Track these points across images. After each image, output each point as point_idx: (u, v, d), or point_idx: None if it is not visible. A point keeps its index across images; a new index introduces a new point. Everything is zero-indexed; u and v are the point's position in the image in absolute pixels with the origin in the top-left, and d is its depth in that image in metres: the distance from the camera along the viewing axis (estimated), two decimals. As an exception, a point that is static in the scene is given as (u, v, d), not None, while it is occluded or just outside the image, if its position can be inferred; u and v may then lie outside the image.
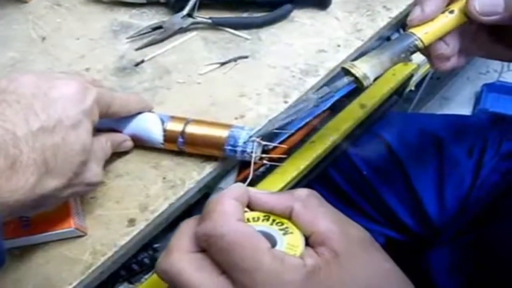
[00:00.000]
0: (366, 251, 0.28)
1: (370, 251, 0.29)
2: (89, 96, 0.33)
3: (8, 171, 0.28)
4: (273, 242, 0.28)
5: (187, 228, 0.29)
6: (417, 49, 0.40)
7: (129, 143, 0.42)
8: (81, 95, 0.33)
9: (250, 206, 0.31)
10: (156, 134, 0.41)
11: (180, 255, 0.28)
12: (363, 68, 0.38)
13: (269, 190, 0.32)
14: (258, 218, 0.30)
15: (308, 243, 0.29)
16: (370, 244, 0.29)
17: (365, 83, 0.38)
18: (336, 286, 0.26)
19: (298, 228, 0.29)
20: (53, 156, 0.30)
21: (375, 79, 0.39)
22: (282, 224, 0.30)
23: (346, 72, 0.39)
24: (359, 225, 0.30)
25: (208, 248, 0.28)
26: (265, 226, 0.30)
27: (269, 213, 0.30)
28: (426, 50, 0.42)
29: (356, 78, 0.38)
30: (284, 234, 0.29)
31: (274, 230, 0.29)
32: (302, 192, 0.31)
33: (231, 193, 0.29)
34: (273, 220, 0.30)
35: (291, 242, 0.28)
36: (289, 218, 0.30)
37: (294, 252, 0.27)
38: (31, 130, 0.29)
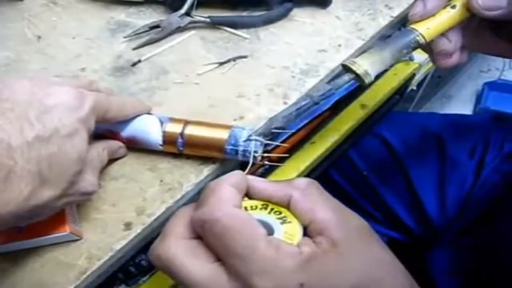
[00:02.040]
0: (364, 241, 0.28)
1: (368, 241, 0.28)
2: (85, 103, 0.33)
3: (1, 183, 0.27)
4: (270, 231, 0.28)
5: (183, 214, 0.29)
6: (418, 45, 0.39)
7: (124, 150, 0.42)
8: (77, 103, 0.32)
9: (249, 194, 0.31)
10: (155, 135, 0.40)
11: (175, 241, 0.27)
12: (364, 65, 0.37)
13: (268, 179, 0.32)
14: (256, 207, 0.30)
15: (306, 233, 0.28)
16: (369, 234, 0.29)
17: (366, 80, 0.38)
18: (333, 275, 0.25)
19: (296, 218, 0.29)
20: (48, 166, 0.29)
21: (377, 76, 0.39)
22: (280, 213, 0.29)
23: (346, 69, 0.38)
24: (358, 216, 0.30)
25: (203, 234, 0.27)
26: (262, 214, 0.29)
27: (268, 201, 0.30)
28: (428, 47, 0.41)
29: (357, 75, 0.38)
30: (282, 223, 0.28)
31: (271, 219, 0.29)
32: (302, 181, 0.30)
33: (230, 179, 0.29)
34: (271, 209, 0.30)
35: (288, 231, 0.28)
36: (288, 207, 0.29)
37: (291, 241, 0.27)
38: (26, 140, 0.28)
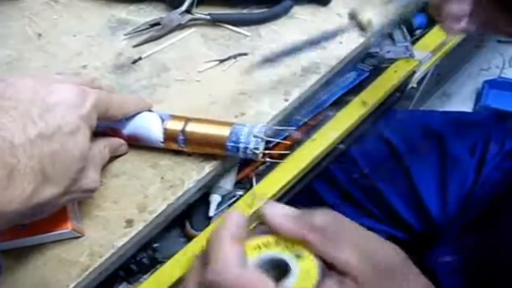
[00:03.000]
0: (392, 279, 0.27)
1: (396, 279, 0.27)
2: (87, 100, 0.33)
3: (5, 181, 0.27)
4: (285, 269, 0.27)
5: (192, 277, 0.28)
6: (425, 4, 0.40)
7: (125, 147, 0.42)
8: (79, 100, 0.32)
9: (264, 224, 0.29)
10: (156, 132, 0.40)
11: None
12: (368, 15, 0.39)
13: (289, 208, 0.29)
14: (269, 243, 0.28)
15: (326, 266, 0.27)
16: (397, 270, 0.27)
17: (369, 29, 0.39)
18: None
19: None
20: (51, 164, 0.29)
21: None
22: (295, 248, 0.28)
23: (351, 17, 0.39)
24: (388, 245, 0.28)
25: None
26: (277, 251, 0.28)
27: (282, 237, 0.28)
28: (437, 11, 0.41)
29: (360, 23, 0.38)
30: (298, 259, 0.27)
31: (286, 255, 0.27)
32: (319, 218, 0.28)
33: (230, 232, 0.28)
34: (286, 244, 0.28)
35: (305, 268, 0.26)
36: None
37: (310, 280, 0.26)
38: (29, 138, 0.28)
